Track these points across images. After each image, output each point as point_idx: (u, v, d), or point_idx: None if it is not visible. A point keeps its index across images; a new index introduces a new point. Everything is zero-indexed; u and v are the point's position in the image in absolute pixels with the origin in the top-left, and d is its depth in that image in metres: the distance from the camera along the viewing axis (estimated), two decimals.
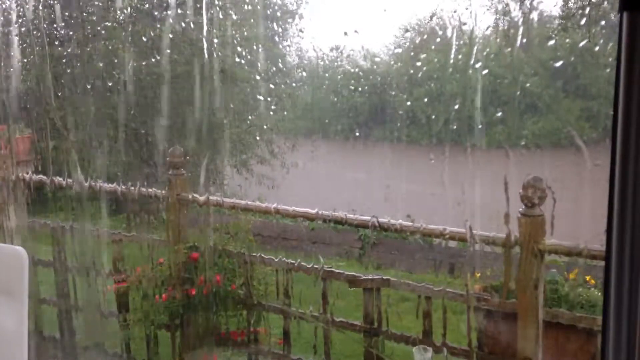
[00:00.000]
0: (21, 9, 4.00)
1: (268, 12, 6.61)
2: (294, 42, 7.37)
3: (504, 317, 3.13)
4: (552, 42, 4.29)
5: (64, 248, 4.25)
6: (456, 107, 3.46)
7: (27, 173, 4.26)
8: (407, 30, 5.37)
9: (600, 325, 2.67)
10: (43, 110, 4.09)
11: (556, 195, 2.91)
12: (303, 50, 6.89)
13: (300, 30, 7.23)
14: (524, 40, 3.23)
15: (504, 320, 3.14)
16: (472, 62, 3.16)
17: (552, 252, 3.05)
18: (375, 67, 5.74)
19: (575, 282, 3.24)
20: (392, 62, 5.96)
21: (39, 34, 3.97)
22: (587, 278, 3.43)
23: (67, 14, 4.15)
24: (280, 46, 7.14)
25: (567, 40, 4.06)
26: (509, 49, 4.23)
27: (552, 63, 4.63)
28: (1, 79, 4.05)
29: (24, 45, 4.15)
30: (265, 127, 6.20)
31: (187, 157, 4.26)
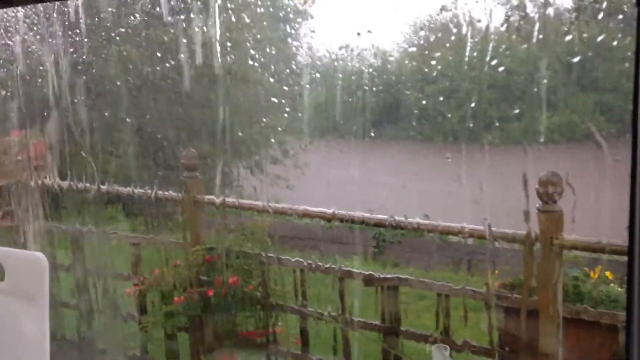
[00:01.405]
0: (36, 17, 4.04)
1: (281, 14, 6.61)
2: (304, 42, 7.37)
3: (524, 315, 3.10)
4: (567, 37, 4.24)
5: (82, 251, 4.28)
6: (472, 104, 3.43)
7: (44, 178, 4.30)
8: (421, 29, 5.35)
9: (623, 321, 2.64)
10: (59, 115, 4.12)
11: (575, 190, 2.88)
12: (314, 50, 6.89)
13: (312, 31, 7.22)
14: (540, 36, 3.20)
15: (524, 318, 3.11)
16: (487, 58, 3.13)
17: (571, 248, 3.02)
18: (388, 65, 5.72)
19: (599, 278, 3.20)
20: (406, 61, 5.94)
21: (54, 41, 4.01)
22: (607, 274, 3.39)
23: (81, 20, 4.18)
24: (292, 47, 7.14)
25: (585, 35, 4.02)
26: (524, 45, 4.19)
27: (568, 58, 4.58)
28: (18, 85, 4.09)
29: (40, 52, 4.19)
30: (279, 128, 6.21)
31: (202, 160, 4.27)
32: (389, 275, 3.42)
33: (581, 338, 3.00)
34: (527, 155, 3.25)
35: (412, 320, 3.45)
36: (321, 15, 7.14)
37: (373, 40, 5.59)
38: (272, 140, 6.54)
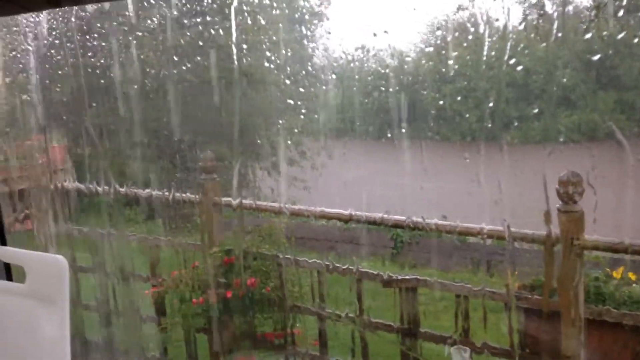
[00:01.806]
0: (54, 22, 4.09)
1: (296, 15, 6.62)
2: (320, 43, 7.37)
3: (545, 316, 3.07)
4: (587, 35, 4.19)
5: (101, 254, 4.32)
6: (490, 104, 3.40)
7: (64, 181, 4.35)
8: (438, 29, 5.31)
9: None
10: (77, 119, 4.17)
11: (596, 190, 2.84)
12: (330, 51, 6.88)
13: (328, 32, 7.22)
14: (559, 34, 3.16)
15: (545, 319, 3.07)
16: (505, 57, 3.10)
17: (593, 249, 2.98)
18: (405, 66, 5.69)
19: (621, 279, 3.15)
20: (422, 61, 5.90)
21: (72, 45, 4.05)
22: (630, 274, 3.34)
23: (98, 25, 4.22)
24: (308, 48, 7.15)
25: (604, 32, 3.96)
26: (543, 43, 4.14)
27: (588, 55, 4.53)
28: (37, 90, 4.14)
29: (59, 57, 4.24)
30: (295, 130, 6.21)
31: (219, 162, 4.28)
32: (407, 277, 3.40)
33: (603, 340, 2.96)
34: (547, 154, 3.21)
35: (431, 321, 3.43)
36: (337, 17, 7.15)
37: (389, 41, 5.56)
38: (289, 141, 6.54)
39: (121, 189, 4.17)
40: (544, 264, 2.96)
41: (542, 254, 3.05)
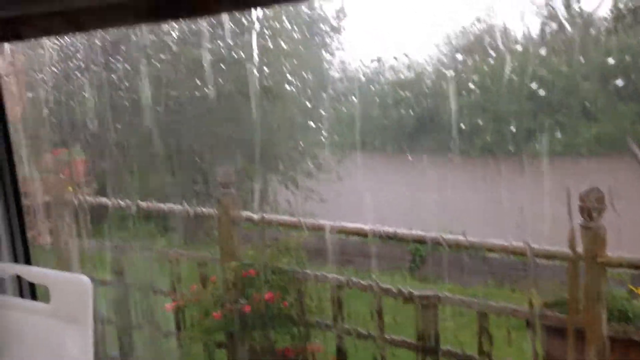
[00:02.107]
0: (79, 43, 4.16)
1: (314, 27, 6.65)
2: (337, 56, 7.39)
3: (565, 333, 3.02)
4: (603, 45, 4.16)
5: (121, 267, 4.35)
6: (510, 120, 3.38)
7: (85, 195, 4.39)
8: (457, 51, 5.31)
9: None
10: (100, 134, 4.22)
11: (617, 205, 2.81)
12: (346, 64, 6.90)
13: (342, 44, 7.24)
14: (575, 45, 3.15)
15: (565, 336, 3.02)
16: (522, 70, 3.09)
17: (616, 266, 2.93)
18: (420, 78, 5.69)
19: None
20: (437, 73, 5.89)
21: (96, 66, 4.12)
22: None
23: (122, 47, 4.29)
24: (325, 61, 7.17)
25: (623, 44, 3.93)
26: (560, 55, 4.12)
27: (605, 66, 4.49)
28: (61, 107, 4.21)
29: (82, 75, 4.31)
30: (313, 143, 6.23)
31: (237, 176, 4.30)
32: (427, 293, 3.37)
33: (628, 358, 2.90)
34: (567, 169, 3.19)
35: (451, 338, 3.38)
36: (354, 30, 7.16)
37: (406, 53, 5.57)
38: (306, 155, 6.55)
39: (142, 203, 4.20)
40: (567, 280, 2.91)
41: (562, 269, 3.01)
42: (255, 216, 3.91)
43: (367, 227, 3.42)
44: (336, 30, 7.22)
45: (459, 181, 4.54)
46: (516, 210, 2.87)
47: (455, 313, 3.64)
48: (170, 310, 4.16)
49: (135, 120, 4.76)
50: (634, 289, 3.17)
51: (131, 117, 4.84)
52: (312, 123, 5.48)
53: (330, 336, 3.74)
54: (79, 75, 4.28)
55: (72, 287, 1.64)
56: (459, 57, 5.53)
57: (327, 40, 7.21)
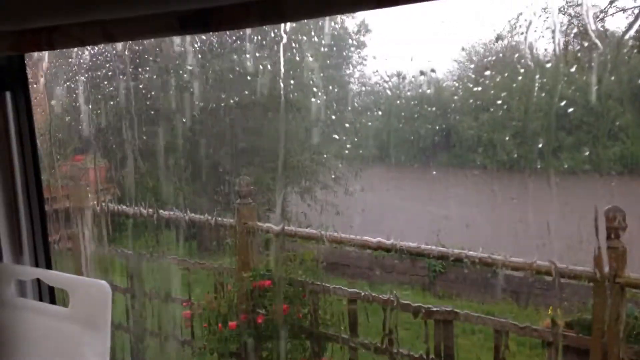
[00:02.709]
0: (106, 52, 4.23)
1: (334, 48, 6.69)
2: (357, 69, 7.42)
3: (581, 354, 2.97)
4: (630, 65, 4.12)
5: (139, 275, 4.38)
6: (540, 141, 3.36)
7: (105, 202, 4.44)
8: (481, 64, 5.30)
9: None
10: (121, 142, 4.28)
11: (637, 225, 2.77)
12: (367, 77, 6.92)
13: (363, 58, 7.27)
14: (598, 63, 3.12)
15: (580, 357, 2.98)
16: (555, 94, 3.07)
17: (635, 287, 2.89)
18: (440, 94, 5.68)
19: None
20: (458, 86, 5.89)
21: (116, 73, 4.18)
22: None
23: (146, 56, 4.35)
24: (344, 75, 7.20)
25: None
26: (581, 72, 4.09)
27: (630, 85, 4.44)
28: (85, 114, 4.27)
29: (106, 83, 4.38)
30: (327, 155, 6.24)
31: (255, 186, 4.32)
32: (444, 308, 3.34)
33: None
34: (592, 188, 3.15)
35: (465, 355, 3.35)
36: (374, 43, 7.19)
37: (426, 68, 5.57)
38: (323, 167, 6.56)
39: (160, 212, 4.23)
40: (593, 301, 2.87)
41: (580, 288, 2.97)
42: (276, 227, 3.92)
43: (389, 241, 3.40)
44: (358, 45, 7.26)
45: (481, 197, 4.51)
46: (539, 228, 2.84)
47: (468, 329, 3.61)
48: (186, 318, 4.18)
49: (159, 130, 4.81)
50: None
51: (155, 126, 4.89)
52: (331, 135, 5.49)
53: (344, 349, 3.72)
54: (105, 83, 4.35)
55: (91, 292, 1.66)
56: (482, 72, 5.52)
57: (350, 54, 7.25)
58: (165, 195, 4.70)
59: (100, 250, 4.25)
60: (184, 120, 4.60)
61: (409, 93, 5.86)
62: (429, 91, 5.74)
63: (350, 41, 7.08)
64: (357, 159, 5.64)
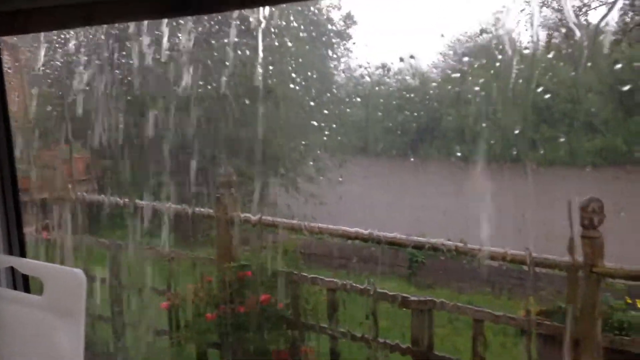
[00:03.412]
0: (83, 38, 4.16)
1: (314, 34, 6.67)
2: (342, 61, 7.41)
3: (560, 342, 3.01)
4: (612, 60, 4.15)
5: (117, 265, 4.34)
6: (511, 126, 3.38)
7: (84, 192, 4.39)
8: (464, 55, 5.32)
9: None
10: (101, 132, 4.22)
11: (617, 217, 2.81)
12: (352, 69, 6.91)
13: (349, 50, 7.26)
14: (581, 57, 3.14)
15: (559, 345, 3.01)
16: (527, 80, 3.08)
17: (613, 277, 2.93)
18: (425, 85, 5.69)
19: None
20: (442, 80, 5.90)
21: (99, 61, 4.12)
22: None
23: (127, 43, 4.28)
24: (329, 67, 7.18)
25: (629, 57, 3.92)
26: (564, 65, 4.12)
27: (611, 80, 4.49)
28: (63, 102, 4.21)
29: (84, 71, 4.31)
30: (310, 147, 6.23)
31: (237, 177, 4.30)
32: (422, 298, 3.36)
33: None
34: (570, 180, 3.18)
35: (444, 344, 3.37)
36: (360, 36, 7.18)
37: (411, 61, 5.58)
38: (308, 158, 6.55)
39: (140, 202, 4.20)
40: (567, 290, 2.90)
41: (557, 278, 3.00)
42: (253, 217, 3.90)
43: (366, 231, 3.40)
44: (343, 36, 7.24)
45: (461, 187, 4.53)
46: (517, 218, 2.86)
47: (447, 318, 3.63)
48: (165, 309, 4.15)
49: (137, 119, 4.76)
50: (630, 299, 3.17)
51: (134, 115, 4.84)
52: (314, 123, 5.47)
53: (325, 338, 3.73)
54: (83, 70, 4.29)
55: (65, 281, 1.64)
56: (464, 63, 5.54)
57: (334, 45, 7.23)
58: (145, 185, 4.65)
59: (77, 240, 4.21)
60: (163, 109, 4.56)
61: (393, 84, 5.86)
62: (412, 82, 5.75)
63: (332, 29, 7.06)
64: (340, 149, 5.64)
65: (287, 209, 6.44)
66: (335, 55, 7.24)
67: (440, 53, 6.05)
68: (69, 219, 4.15)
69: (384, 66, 5.90)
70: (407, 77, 5.70)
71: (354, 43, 7.09)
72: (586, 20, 4.80)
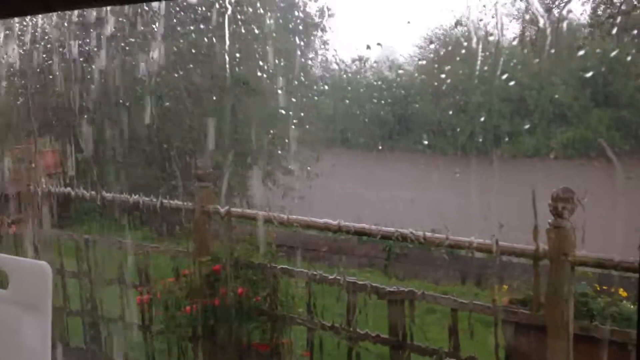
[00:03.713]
0: (47, 27, 4.08)
1: (290, 25, 6.63)
2: (318, 54, 7.39)
3: (533, 331, 3.06)
4: (581, 52, 4.21)
5: (89, 260, 4.29)
6: (482, 118, 3.41)
7: (56, 186, 4.33)
8: (431, 42, 5.35)
9: (635, 339, 2.59)
10: (69, 125, 4.16)
11: (587, 207, 2.85)
12: (328, 62, 6.90)
13: (325, 43, 7.25)
14: (552, 50, 3.18)
15: (533, 334, 3.06)
16: (498, 72, 3.11)
17: (583, 265, 2.98)
18: (399, 78, 5.71)
19: (611, 295, 3.15)
20: (416, 74, 5.93)
21: (64, 50, 4.05)
22: (620, 291, 3.34)
23: (91, 30, 4.21)
24: (304, 59, 7.16)
25: (598, 50, 3.98)
26: (537, 59, 4.16)
27: (582, 73, 4.55)
28: (30, 94, 4.13)
29: (50, 62, 4.24)
30: (286, 140, 6.21)
31: (213, 170, 4.27)
32: (398, 289, 3.39)
33: (592, 356, 2.95)
34: (539, 169, 3.22)
35: (420, 334, 3.40)
36: (335, 29, 7.17)
37: (386, 54, 5.60)
38: (283, 151, 6.54)
39: (113, 195, 4.15)
40: (534, 279, 2.96)
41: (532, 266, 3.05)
42: (222, 209, 3.88)
43: (335, 222, 3.42)
44: (318, 28, 7.22)
45: (436, 179, 4.57)
46: (485, 208, 2.90)
47: (424, 309, 3.67)
48: (141, 303, 4.12)
49: (110, 113, 4.70)
50: (598, 288, 3.23)
51: (106, 108, 4.78)
52: (289, 120, 5.46)
53: (303, 331, 3.74)
54: (52, 63, 4.22)
55: (31, 274, 1.61)
56: (438, 54, 5.58)
57: (310, 37, 7.20)
58: (119, 179, 4.61)
59: (51, 235, 4.15)
60: (132, 99, 4.50)
61: (370, 77, 5.88)
62: (389, 75, 5.77)
63: (310, 24, 7.04)
64: (316, 142, 5.65)
65: (262, 201, 6.43)
66: (308, 46, 7.21)
67: (416, 45, 6.08)
68: (37, 213, 4.09)
69: (360, 59, 5.91)
70: (384, 70, 5.72)
71: (330, 37, 7.08)
72: (559, 12, 4.86)
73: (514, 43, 4.17)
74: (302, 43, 6.98)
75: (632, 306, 3.16)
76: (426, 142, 4.92)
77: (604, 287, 3.30)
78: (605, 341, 2.86)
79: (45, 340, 1.59)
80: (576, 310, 2.98)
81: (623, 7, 4.49)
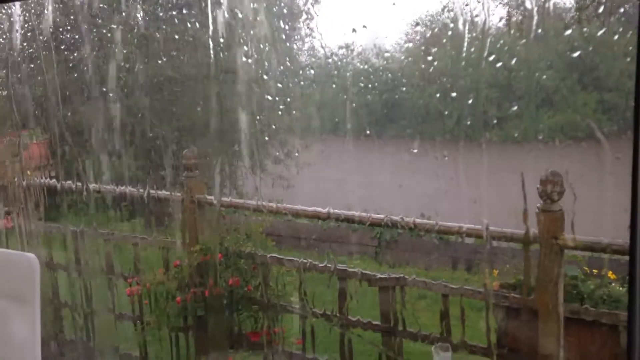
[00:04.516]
0: (27, 14, 4.01)
1: (274, 9, 6.57)
2: (305, 40, 7.33)
3: (524, 314, 3.08)
4: (567, 34, 4.21)
5: (80, 252, 4.26)
6: (470, 102, 3.40)
7: (44, 178, 4.28)
8: (417, 24, 5.33)
9: (624, 322, 2.61)
10: (56, 115, 4.10)
11: (576, 189, 2.86)
12: (315, 49, 6.85)
13: (311, 29, 7.19)
14: (539, 32, 3.17)
15: (524, 317, 3.08)
16: (485, 55, 3.10)
17: (572, 248, 3.00)
18: (386, 63, 5.69)
19: (600, 278, 3.18)
20: (404, 59, 5.91)
21: (45, 38, 3.98)
22: (609, 274, 3.37)
23: (72, 18, 4.14)
24: (291, 45, 7.10)
25: (584, 30, 3.97)
26: (523, 41, 4.15)
27: (568, 55, 4.55)
28: (17, 86, 4.07)
29: (31, 50, 4.17)
30: (273, 127, 6.18)
31: (201, 159, 4.24)
32: (389, 275, 3.39)
33: (582, 338, 2.98)
34: (528, 153, 3.22)
35: (412, 320, 3.42)
36: (322, 14, 7.12)
37: (372, 39, 5.57)
38: (273, 139, 6.51)
39: (101, 187, 4.12)
40: (523, 262, 2.98)
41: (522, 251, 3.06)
42: (214, 200, 3.86)
43: (325, 210, 3.41)
44: (306, 16, 7.16)
45: (421, 165, 4.57)
46: (475, 193, 2.90)
47: (416, 295, 3.68)
48: (131, 294, 4.11)
49: (98, 103, 4.64)
50: (588, 270, 3.25)
51: (94, 99, 4.72)
52: (277, 108, 5.43)
53: (295, 319, 3.75)
54: (32, 51, 4.15)
55: (19, 266, 1.60)
56: (423, 41, 5.56)
57: (295, 24, 7.15)
58: (107, 170, 4.56)
59: (41, 228, 4.12)
60: (121, 91, 4.45)
61: (358, 64, 5.85)
62: (377, 62, 5.75)
63: (290, 13, 6.97)
64: (305, 131, 5.62)
65: (254, 191, 6.40)
66: (295, 33, 7.16)
67: (403, 30, 6.05)
68: (28, 206, 4.05)
69: (347, 46, 5.87)
70: (370, 56, 5.70)
71: (317, 23, 7.04)
72: None
73: (500, 25, 4.17)
74: (286, 27, 6.93)
75: (620, 288, 3.19)
76: (414, 127, 4.91)
77: (594, 270, 3.32)
78: (596, 323, 2.89)
79: (34, 332, 1.57)
80: (566, 293, 3.00)
81: None
